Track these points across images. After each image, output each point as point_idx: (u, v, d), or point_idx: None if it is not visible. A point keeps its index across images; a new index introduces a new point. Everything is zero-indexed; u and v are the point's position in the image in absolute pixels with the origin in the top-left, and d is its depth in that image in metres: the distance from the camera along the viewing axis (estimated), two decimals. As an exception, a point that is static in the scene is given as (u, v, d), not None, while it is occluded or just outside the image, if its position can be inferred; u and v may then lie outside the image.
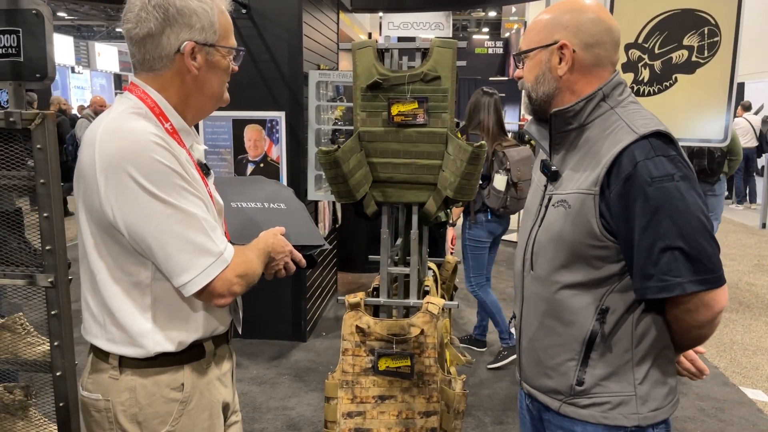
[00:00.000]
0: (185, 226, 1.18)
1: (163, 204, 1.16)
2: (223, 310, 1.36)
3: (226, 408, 1.43)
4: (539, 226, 1.37)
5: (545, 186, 1.39)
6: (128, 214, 1.15)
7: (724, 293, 1.21)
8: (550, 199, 1.35)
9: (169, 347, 1.25)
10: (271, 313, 4.09)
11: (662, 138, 1.22)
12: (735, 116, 9.69)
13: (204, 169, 1.32)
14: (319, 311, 4.56)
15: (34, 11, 1.81)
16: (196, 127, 3.92)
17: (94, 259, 1.22)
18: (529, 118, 1.48)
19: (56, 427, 1.99)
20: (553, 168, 1.36)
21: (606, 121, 1.30)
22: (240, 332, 1.46)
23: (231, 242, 1.43)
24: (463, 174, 1.95)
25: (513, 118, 11.49)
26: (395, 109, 2.00)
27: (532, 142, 7.33)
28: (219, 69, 1.29)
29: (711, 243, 1.19)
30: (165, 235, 1.16)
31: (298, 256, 1.44)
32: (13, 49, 1.81)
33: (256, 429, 3.01)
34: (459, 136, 2.15)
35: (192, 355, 1.31)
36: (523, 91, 1.42)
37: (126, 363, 1.26)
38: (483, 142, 1.98)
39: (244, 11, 3.77)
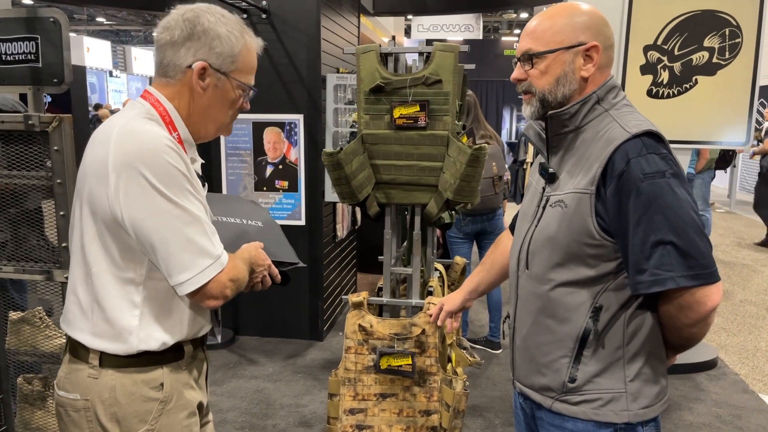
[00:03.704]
0: (190, 227, 1.22)
1: (171, 204, 1.20)
2: (205, 316, 1.40)
3: (200, 408, 1.46)
4: (536, 227, 1.39)
5: (543, 188, 1.41)
6: (137, 211, 1.20)
7: (717, 290, 1.21)
8: (547, 200, 1.37)
9: (153, 346, 1.29)
10: (289, 313, 4.16)
11: (653, 137, 1.25)
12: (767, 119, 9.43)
13: (201, 180, 1.37)
14: (337, 311, 4.62)
15: (51, 19, 1.91)
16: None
17: (93, 252, 1.26)
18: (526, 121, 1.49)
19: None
20: (551, 170, 1.38)
21: (600, 123, 1.33)
22: (218, 340, 1.51)
23: None
24: (462, 176, 1.97)
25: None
26: (397, 112, 2.04)
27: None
28: (225, 99, 1.34)
29: (703, 239, 1.20)
30: (170, 234, 1.21)
31: (275, 271, 1.48)
32: (32, 55, 1.92)
33: (268, 425, 3.07)
34: (465, 139, 2.18)
35: (171, 355, 1.34)
36: (533, 95, 1.36)
37: (107, 361, 1.29)
38: (484, 144, 2.00)
39: (264, 16, 3.86)
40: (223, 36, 1.29)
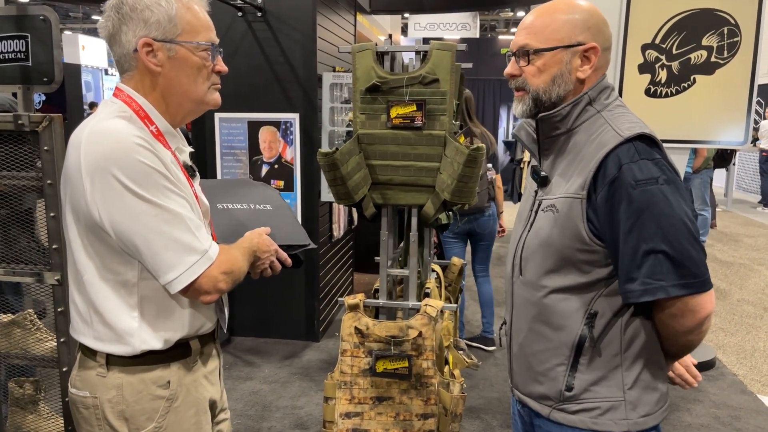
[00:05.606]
0: (170, 225, 1.20)
1: (147, 204, 1.18)
2: (209, 309, 1.39)
3: (213, 405, 1.45)
4: (528, 232, 1.36)
5: (536, 192, 1.39)
6: (114, 214, 1.18)
7: (710, 298, 1.19)
8: (539, 205, 1.35)
9: (156, 345, 1.28)
10: (284, 313, 4.13)
11: (647, 141, 1.21)
12: (765, 117, 9.45)
13: (190, 171, 1.35)
14: (333, 312, 4.59)
15: (41, 17, 1.87)
16: (212, 127, 3.99)
17: (82, 259, 1.25)
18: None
19: (63, 421, 2.05)
20: (543, 173, 1.35)
21: (593, 125, 1.29)
22: (225, 331, 1.49)
23: (217, 243, 1.46)
24: (459, 176, 1.95)
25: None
26: (394, 112, 2.01)
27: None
28: (188, 67, 1.27)
29: (696, 247, 1.17)
30: (151, 234, 1.19)
31: (284, 255, 1.46)
32: (22, 54, 1.88)
33: (264, 427, 3.04)
34: (462, 138, 2.15)
35: (178, 353, 1.33)
36: (526, 93, 1.33)
37: (113, 361, 1.28)
38: (481, 144, 1.97)
39: (259, 14, 3.82)
40: (151, 5, 1.23)
